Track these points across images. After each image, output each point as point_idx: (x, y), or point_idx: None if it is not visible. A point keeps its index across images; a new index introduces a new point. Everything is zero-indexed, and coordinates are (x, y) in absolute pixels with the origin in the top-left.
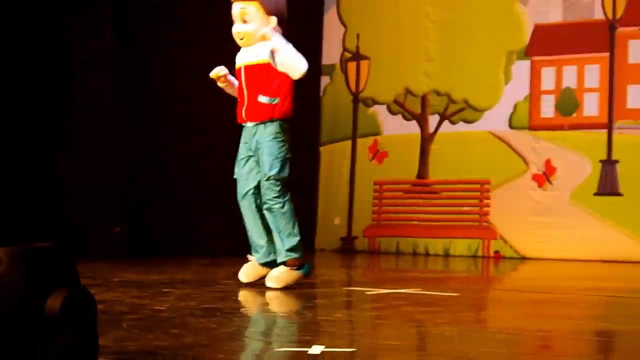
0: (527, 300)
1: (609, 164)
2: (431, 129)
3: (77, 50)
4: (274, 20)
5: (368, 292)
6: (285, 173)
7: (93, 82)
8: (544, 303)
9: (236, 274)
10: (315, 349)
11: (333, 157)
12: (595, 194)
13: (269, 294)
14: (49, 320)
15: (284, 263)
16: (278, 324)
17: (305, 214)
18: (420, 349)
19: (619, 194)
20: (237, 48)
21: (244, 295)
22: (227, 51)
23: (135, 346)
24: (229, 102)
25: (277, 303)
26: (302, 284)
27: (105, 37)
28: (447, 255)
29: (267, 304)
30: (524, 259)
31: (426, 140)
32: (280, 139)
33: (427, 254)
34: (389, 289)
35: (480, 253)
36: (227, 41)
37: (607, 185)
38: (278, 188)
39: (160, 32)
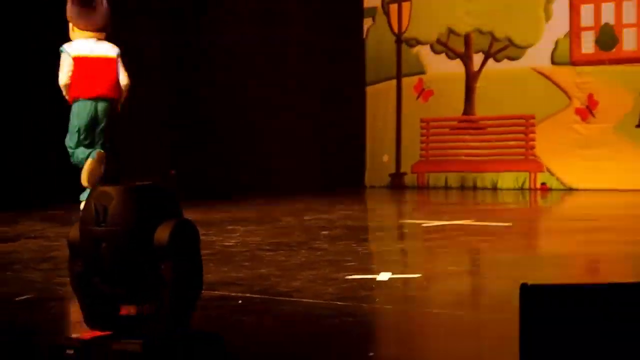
0: (576, 228)
1: None
2: (475, 67)
3: None
4: None
5: (424, 225)
6: None
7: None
8: (593, 230)
9: (294, 210)
10: (383, 276)
11: (379, 96)
12: (637, 126)
13: (327, 231)
14: (157, 250)
15: None
16: (344, 255)
17: (354, 152)
18: (480, 274)
19: None
20: None
21: (305, 230)
22: None
23: (215, 278)
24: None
25: (338, 236)
26: (358, 218)
27: None
28: (495, 188)
29: (330, 237)
30: (570, 190)
31: (471, 77)
32: None
33: (475, 188)
34: (444, 221)
35: (527, 185)
36: None
37: None
38: None
39: None
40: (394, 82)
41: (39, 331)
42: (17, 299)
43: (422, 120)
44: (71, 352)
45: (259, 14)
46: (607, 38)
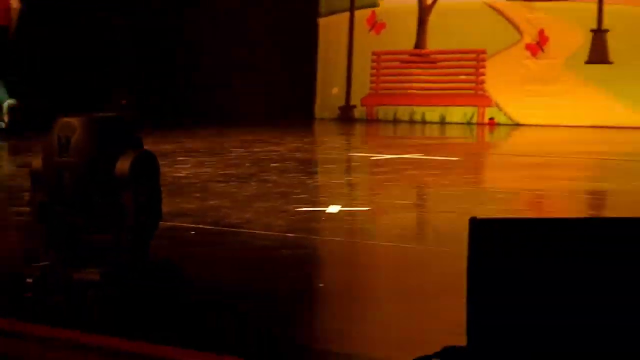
0: (523, 163)
1: (599, 33)
2: (429, 0)
3: None
4: None
5: (372, 158)
6: None
7: None
8: (540, 166)
9: (244, 141)
10: (333, 208)
11: (331, 28)
12: (587, 62)
13: (277, 163)
14: (118, 180)
15: None
16: (293, 187)
17: (304, 83)
18: (427, 208)
19: (608, 62)
20: None
21: (255, 162)
22: None
23: (167, 209)
24: None
25: (288, 168)
26: (307, 150)
27: None
28: (443, 122)
29: (280, 169)
30: (517, 125)
31: (423, 10)
32: None
33: (424, 122)
34: (392, 154)
35: (475, 120)
36: None
37: (598, 53)
38: None
39: None
40: (346, 14)
41: None
42: None
43: (373, 53)
44: (30, 280)
45: None
46: None
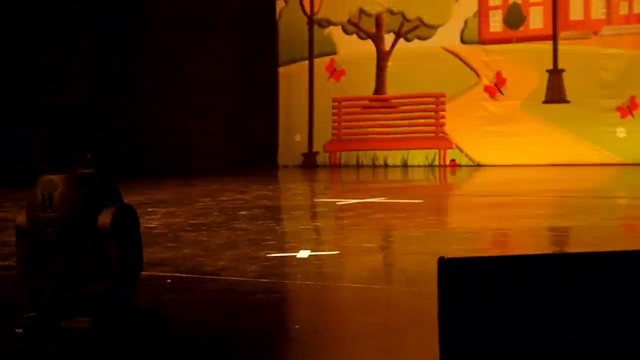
0: (485, 203)
1: (555, 74)
2: (387, 46)
3: None
4: None
5: (338, 203)
6: None
7: None
8: (502, 205)
9: (211, 191)
10: (303, 253)
11: (291, 77)
12: (544, 102)
13: (245, 211)
14: (101, 233)
15: None
16: (264, 234)
17: (266, 132)
18: (393, 250)
19: (565, 101)
20: None
21: (223, 210)
22: None
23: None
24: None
25: (257, 216)
26: (274, 198)
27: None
28: (405, 165)
29: (248, 217)
30: (478, 166)
31: (382, 57)
32: None
33: (386, 165)
34: (357, 199)
35: (437, 162)
36: None
37: (555, 93)
38: None
39: None
40: (306, 62)
41: None
42: None
43: (334, 100)
44: (20, 330)
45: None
46: (515, 17)
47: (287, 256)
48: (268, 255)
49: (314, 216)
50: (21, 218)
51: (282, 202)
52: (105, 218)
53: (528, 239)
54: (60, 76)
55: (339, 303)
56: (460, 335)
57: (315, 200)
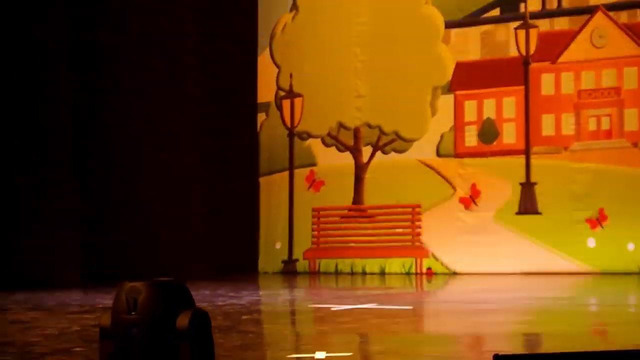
0: (468, 310)
1: (527, 186)
2: (365, 158)
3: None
4: None
5: (333, 308)
6: None
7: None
8: (482, 312)
9: (204, 295)
10: (320, 355)
11: (272, 186)
12: (517, 213)
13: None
14: (178, 334)
15: None
16: (274, 337)
17: (247, 240)
18: (405, 352)
19: (537, 213)
20: None
21: (225, 315)
22: None
23: None
24: None
25: (260, 320)
26: (268, 303)
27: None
28: (383, 273)
29: (253, 321)
30: (454, 274)
31: (360, 169)
32: None
33: (364, 273)
34: (349, 305)
35: (413, 270)
36: None
37: (527, 205)
38: None
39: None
40: (286, 173)
41: None
42: None
43: (313, 209)
44: None
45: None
46: (489, 132)
47: (306, 357)
48: (288, 356)
49: (314, 321)
50: (105, 320)
51: (278, 308)
52: (183, 320)
53: (503, 343)
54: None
55: None
56: None
57: (310, 305)
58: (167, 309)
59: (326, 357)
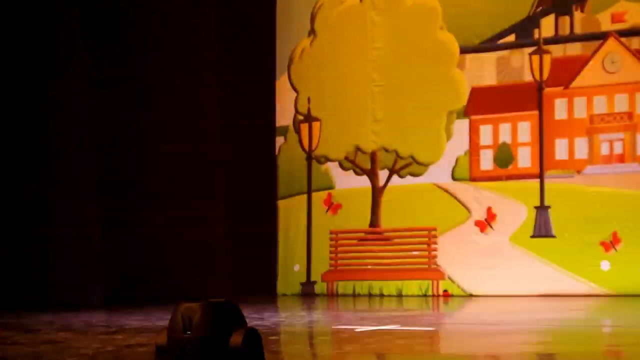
0: (484, 331)
1: (542, 210)
2: (381, 182)
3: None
4: None
5: (357, 330)
6: None
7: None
8: (496, 333)
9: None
10: None
11: (290, 210)
12: (532, 237)
13: (275, 336)
14: (232, 352)
15: None
16: (309, 357)
17: (266, 262)
18: None
19: (552, 236)
20: None
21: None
22: None
23: None
24: None
25: (288, 341)
26: (292, 324)
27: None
28: (400, 295)
29: (281, 342)
30: (470, 296)
31: (377, 192)
32: None
33: (381, 295)
34: (372, 326)
35: (430, 292)
36: None
37: (542, 228)
38: None
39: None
40: (304, 196)
41: None
42: None
43: (331, 232)
44: None
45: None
46: (504, 156)
47: None
48: None
49: (342, 341)
50: (161, 338)
51: (302, 329)
52: (237, 338)
53: None
54: None
55: None
56: None
57: (333, 327)
58: (221, 328)
59: None
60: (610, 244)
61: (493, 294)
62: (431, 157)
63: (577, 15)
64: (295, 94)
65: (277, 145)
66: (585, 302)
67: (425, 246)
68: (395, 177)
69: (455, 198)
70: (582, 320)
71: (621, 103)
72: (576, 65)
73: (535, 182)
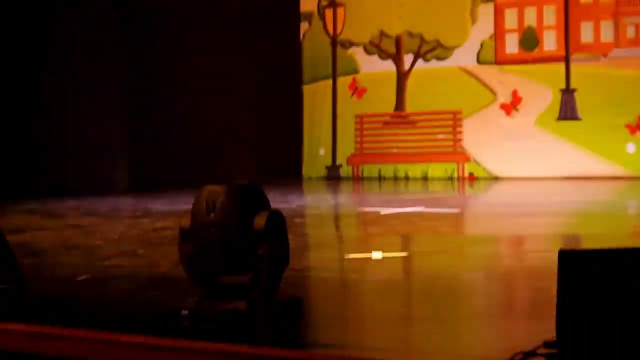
0: (513, 212)
1: (568, 93)
2: (406, 66)
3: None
4: None
5: (382, 212)
6: None
7: None
8: (520, 215)
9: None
10: (377, 255)
11: (316, 94)
12: (558, 119)
13: (299, 219)
14: (255, 234)
15: None
16: (329, 238)
17: (292, 146)
18: (457, 253)
19: (578, 119)
20: None
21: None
22: None
23: None
24: None
25: (312, 224)
26: (317, 207)
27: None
28: (425, 178)
29: (306, 224)
30: (495, 178)
31: (402, 76)
32: None
33: (407, 178)
34: (397, 208)
35: (455, 175)
36: None
37: (567, 111)
38: None
39: None
40: (329, 81)
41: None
42: (78, 278)
43: (356, 116)
44: (185, 312)
45: (202, 17)
46: (530, 39)
47: (363, 257)
48: (346, 256)
49: (365, 224)
50: (185, 221)
51: (328, 211)
52: (260, 221)
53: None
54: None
55: (430, 290)
56: (578, 318)
57: (359, 209)
58: (245, 210)
59: (383, 257)
60: (636, 126)
61: (518, 177)
62: (456, 40)
63: None
64: None
65: (302, 31)
66: (610, 184)
67: (450, 129)
68: (420, 61)
69: (481, 81)
70: (607, 202)
71: None
72: None
73: (561, 65)
